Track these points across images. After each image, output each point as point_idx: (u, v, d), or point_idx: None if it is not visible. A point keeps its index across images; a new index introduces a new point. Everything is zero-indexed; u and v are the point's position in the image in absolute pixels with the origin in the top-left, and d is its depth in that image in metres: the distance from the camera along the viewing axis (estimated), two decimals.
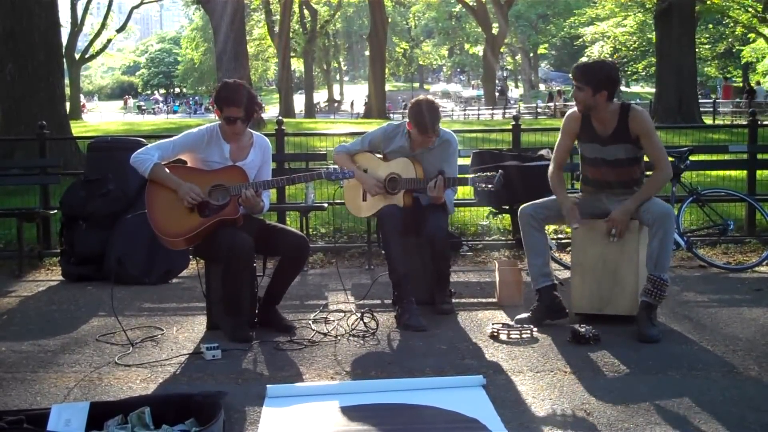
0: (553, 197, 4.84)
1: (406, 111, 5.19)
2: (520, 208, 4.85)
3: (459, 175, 5.02)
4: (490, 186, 4.71)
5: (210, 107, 54.88)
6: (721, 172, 8.98)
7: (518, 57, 62.12)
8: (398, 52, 58.36)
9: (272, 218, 6.98)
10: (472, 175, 4.92)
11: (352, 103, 58.40)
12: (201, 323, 4.81)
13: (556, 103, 35.57)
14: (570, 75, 4.66)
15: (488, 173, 4.76)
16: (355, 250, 7.12)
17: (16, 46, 10.44)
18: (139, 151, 4.53)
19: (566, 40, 56.00)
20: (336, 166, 4.99)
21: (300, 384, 3.72)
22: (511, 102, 46.14)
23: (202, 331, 4.67)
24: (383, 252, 4.98)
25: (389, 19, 42.03)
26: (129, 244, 6.12)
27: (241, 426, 3.21)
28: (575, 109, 4.73)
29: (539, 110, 38.01)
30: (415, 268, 4.96)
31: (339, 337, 4.47)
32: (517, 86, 66.39)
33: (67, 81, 19.25)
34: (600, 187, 4.74)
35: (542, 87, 64.94)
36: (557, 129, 4.95)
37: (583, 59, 4.63)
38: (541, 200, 4.86)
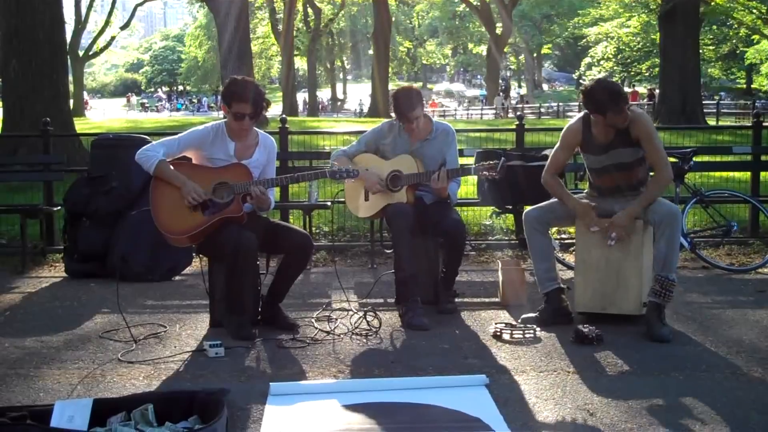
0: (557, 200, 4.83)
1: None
2: (524, 212, 4.84)
3: (463, 163, 5.02)
4: (493, 174, 4.66)
5: (213, 105, 54.96)
6: (724, 174, 8.97)
7: (522, 57, 62.04)
8: (402, 51, 58.32)
9: (275, 216, 6.99)
10: (474, 165, 4.93)
11: (342, 101, 58.87)
12: (204, 321, 4.81)
13: (509, 104, 37.38)
14: (613, 107, 4.45)
15: (490, 161, 4.73)
16: (358, 249, 7.12)
17: (20, 44, 10.45)
18: (144, 147, 4.52)
19: (570, 41, 55.96)
20: (341, 165, 4.96)
21: (303, 382, 3.72)
22: (514, 102, 46.13)
23: (205, 329, 4.67)
24: (392, 249, 4.96)
25: (393, 18, 42.01)
26: (132, 241, 6.12)
27: (244, 423, 3.21)
28: (573, 122, 4.78)
29: (495, 111, 38.64)
30: (420, 268, 4.95)
31: (342, 336, 4.47)
32: (520, 86, 66.29)
33: (70, 78, 19.21)
34: (609, 192, 4.74)
35: (546, 87, 64.88)
36: (561, 129, 4.94)
37: (606, 83, 4.51)
38: (545, 203, 4.85)
